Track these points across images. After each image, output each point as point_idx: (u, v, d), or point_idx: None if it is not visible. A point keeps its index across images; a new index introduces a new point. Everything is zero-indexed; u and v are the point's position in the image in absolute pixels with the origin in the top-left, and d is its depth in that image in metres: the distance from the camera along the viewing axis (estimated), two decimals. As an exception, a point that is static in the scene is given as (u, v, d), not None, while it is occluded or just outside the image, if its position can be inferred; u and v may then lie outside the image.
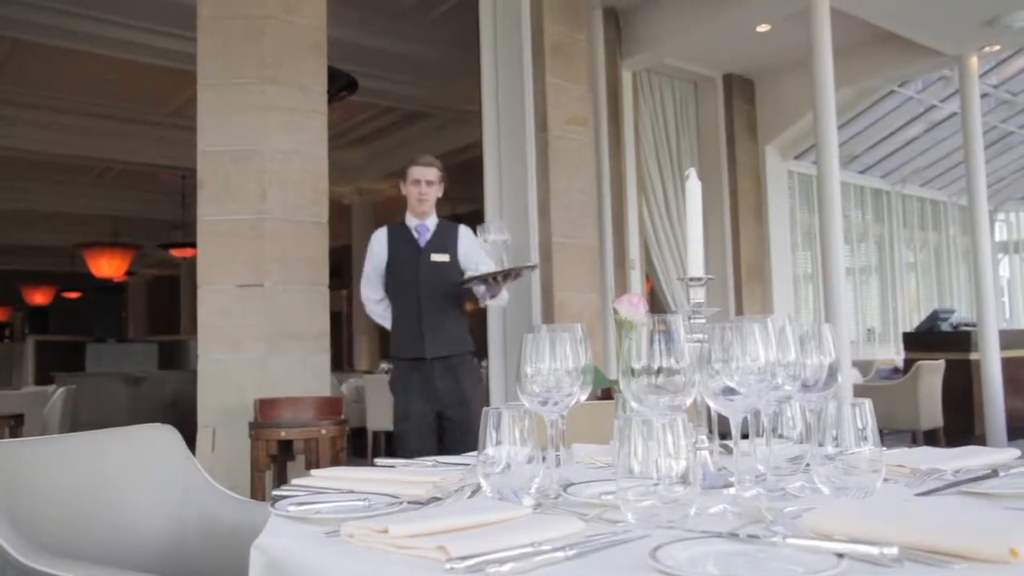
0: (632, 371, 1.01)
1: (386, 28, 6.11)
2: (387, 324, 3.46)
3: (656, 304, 8.38)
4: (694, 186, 1.16)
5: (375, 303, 3.49)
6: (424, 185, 3.37)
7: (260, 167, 3.79)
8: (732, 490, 1.06)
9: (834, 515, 0.84)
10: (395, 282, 3.42)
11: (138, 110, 8.54)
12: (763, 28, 6.73)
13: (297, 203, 3.86)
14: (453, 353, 3.34)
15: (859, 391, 6.28)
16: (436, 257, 3.39)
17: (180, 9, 5.41)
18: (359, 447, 6.91)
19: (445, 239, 3.46)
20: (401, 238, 3.44)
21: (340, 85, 5.98)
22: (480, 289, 3.41)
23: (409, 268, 3.38)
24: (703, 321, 1.13)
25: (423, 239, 3.43)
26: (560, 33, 4.89)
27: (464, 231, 3.53)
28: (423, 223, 3.43)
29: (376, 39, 6.28)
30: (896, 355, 9.19)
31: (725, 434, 1.15)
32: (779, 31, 6.68)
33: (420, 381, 3.31)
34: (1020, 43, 7.22)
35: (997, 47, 7.02)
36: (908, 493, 1.06)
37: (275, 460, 3.55)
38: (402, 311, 3.38)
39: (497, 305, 3.48)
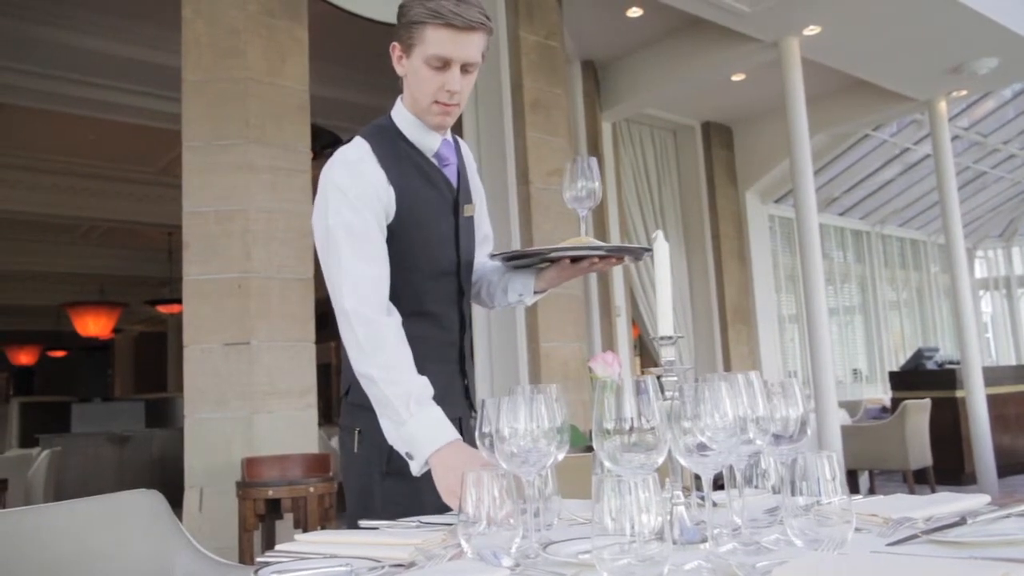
0: (605, 432, 1.04)
1: (369, 85, 6.24)
2: (401, 373, 1.55)
3: (644, 349, 8.43)
4: (661, 247, 1.20)
5: (381, 319, 1.57)
6: (456, 73, 1.60)
7: (244, 226, 3.83)
8: (708, 545, 1.08)
9: (802, 570, 0.87)
10: (409, 267, 1.65)
11: (123, 169, 8.61)
12: (738, 77, 6.92)
13: (282, 261, 3.89)
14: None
15: (847, 432, 6.30)
16: (467, 210, 1.76)
17: (164, 71, 5.51)
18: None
19: (464, 173, 1.79)
20: (415, 172, 1.67)
21: (324, 142, 6.08)
22: (521, 277, 1.78)
23: (440, 237, 1.70)
24: (674, 379, 1.16)
25: (453, 175, 1.74)
26: (539, 88, 5.01)
27: (470, 156, 1.86)
28: (447, 141, 1.74)
29: (359, 96, 6.40)
30: (883, 394, 9.23)
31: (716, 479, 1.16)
32: (754, 80, 6.87)
33: None
34: (985, 88, 7.44)
35: (964, 92, 7.23)
36: (880, 543, 1.08)
37: (263, 519, 3.52)
38: (427, 334, 1.66)
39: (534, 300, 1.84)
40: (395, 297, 1.62)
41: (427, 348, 1.63)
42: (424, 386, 1.54)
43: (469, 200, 1.78)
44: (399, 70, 1.66)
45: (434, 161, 1.70)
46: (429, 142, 1.69)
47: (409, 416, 1.51)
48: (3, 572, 1.38)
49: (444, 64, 1.57)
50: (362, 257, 1.57)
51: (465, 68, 1.60)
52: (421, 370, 1.59)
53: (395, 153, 1.65)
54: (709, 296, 8.01)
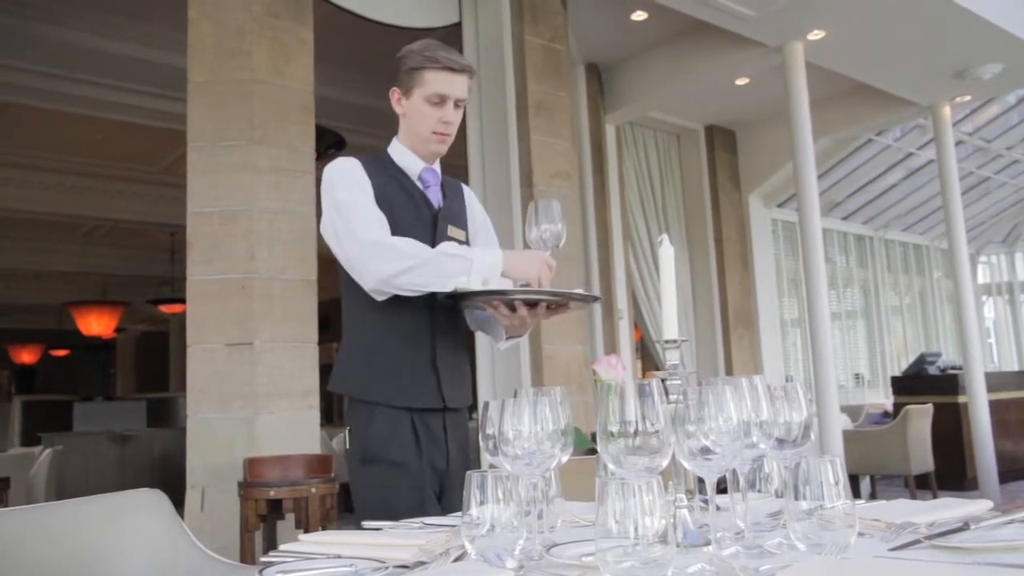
0: (609, 434, 1.04)
1: (373, 86, 6.25)
2: (423, 280, 1.77)
3: (645, 352, 8.42)
4: (667, 251, 1.21)
5: (383, 240, 1.80)
6: (451, 107, 1.92)
7: (248, 227, 3.84)
8: (711, 548, 1.08)
9: (805, 574, 0.87)
10: None
11: (127, 169, 8.62)
12: (742, 81, 6.92)
13: (285, 262, 3.90)
14: (467, 402, 2.01)
15: (849, 437, 6.29)
16: (453, 232, 1.98)
17: (169, 71, 5.52)
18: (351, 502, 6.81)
19: (456, 203, 2.05)
20: (396, 186, 1.93)
21: (328, 143, 6.09)
22: (497, 324, 1.95)
23: None
24: (679, 382, 1.17)
25: (435, 196, 1.99)
26: (543, 91, 5.01)
27: (473, 197, 2.14)
28: (431, 168, 1.99)
29: (363, 97, 6.41)
30: (885, 399, 9.21)
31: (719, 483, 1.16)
32: (758, 84, 6.87)
33: (430, 442, 1.89)
34: (990, 93, 7.44)
35: (968, 97, 7.22)
36: (882, 548, 1.08)
37: (264, 520, 3.52)
38: (397, 326, 1.86)
39: (507, 346, 2.06)
40: (358, 291, 1.87)
41: (399, 341, 1.88)
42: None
43: (459, 225, 2.00)
44: (398, 110, 1.97)
45: (417, 183, 1.97)
46: (412, 165, 1.98)
47: (471, 257, 1.81)
48: (7, 570, 1.39)
49: (442, 100, 1.90)
50: (364, 214, 1.84)
51: (456, 103, 1.93)
52: (391, 358, 1.86)
53: (380, 169, 1.94)
54: (711, 300, 8.00)
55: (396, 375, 1.86)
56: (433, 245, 1.88)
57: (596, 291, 6.44)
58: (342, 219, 1.84)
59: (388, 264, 1.76)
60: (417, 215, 1.93)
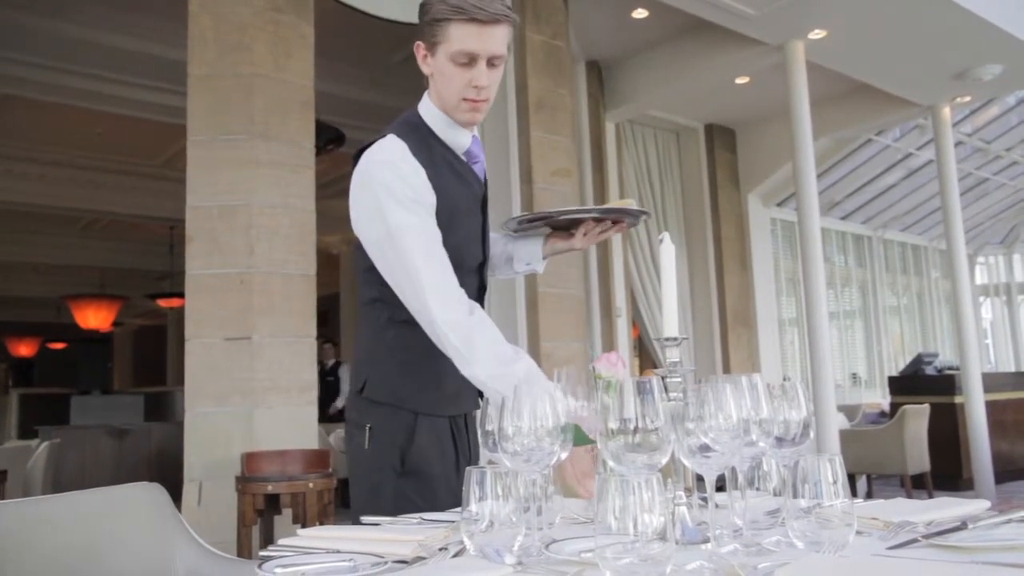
0: (609, 431, 1.04)
1: (372, 82, 6.24)
2: (484, 360, 1.50)
3: (643, 350, 8.43)
4: (667, 249, 1.21)
5: (467, 320, 1.53)
6: (483, 67, 1.56)
7: (248, 221, 3.84)
8: (709, 545, 1.08)
9: (803, 571, 0.87)
10: None
11: (126, 162, 8.62)
12: (742, 80, 6.92)
13: (285, 257, 3.90)
14: None
15: (846, 436, 6.30)
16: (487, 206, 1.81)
17: (169, 65, 5.52)
18: (348, 498, 6.81)
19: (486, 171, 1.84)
20: (448, 169, 1.65)
21: (327, 138, 6.08)
22: (527, 246, 1.86)
23: (469, 235, 1.71)
24: (679, 380, 1.17)
25: (481, 172, 1.76)
26: (544, 88, 5.01)
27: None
28: (477, 139, 1.75)
29: (363, 92, 6.40)
30: (882, 399, 9.23)
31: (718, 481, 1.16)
32: (758, 83, 6.87)
33: (463, 446, 1.74)
34: (989, 94, 7.45)
35: (968, 98, 7.23)
36: (880, 547, 1.09)
37: (262, 514, 3.53)
38: None
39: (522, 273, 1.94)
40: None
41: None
42: (526, 370, 1.51)
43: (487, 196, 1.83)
44: (425, 69, 1.63)
45: (464, 159, 1.69)
46: (460, 140, 1.67)
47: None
48: (5, 562, 1.39)
49: (470, 60, 1.54)
50: (432, 260, 1.54)
51: (491, 62, 1.56)
52: (433, 363, 1.60)
53: (429, 153, 1.61)
54: (710, 298, 8.01)
55: (441, 381, 1.64)
56: (483, 227, 1.74)
57: (595, 289, 6.44)
58: (399, 262, 1.55)
59: (461, 366, 1.53)
60: (472, 200, 1.69)
